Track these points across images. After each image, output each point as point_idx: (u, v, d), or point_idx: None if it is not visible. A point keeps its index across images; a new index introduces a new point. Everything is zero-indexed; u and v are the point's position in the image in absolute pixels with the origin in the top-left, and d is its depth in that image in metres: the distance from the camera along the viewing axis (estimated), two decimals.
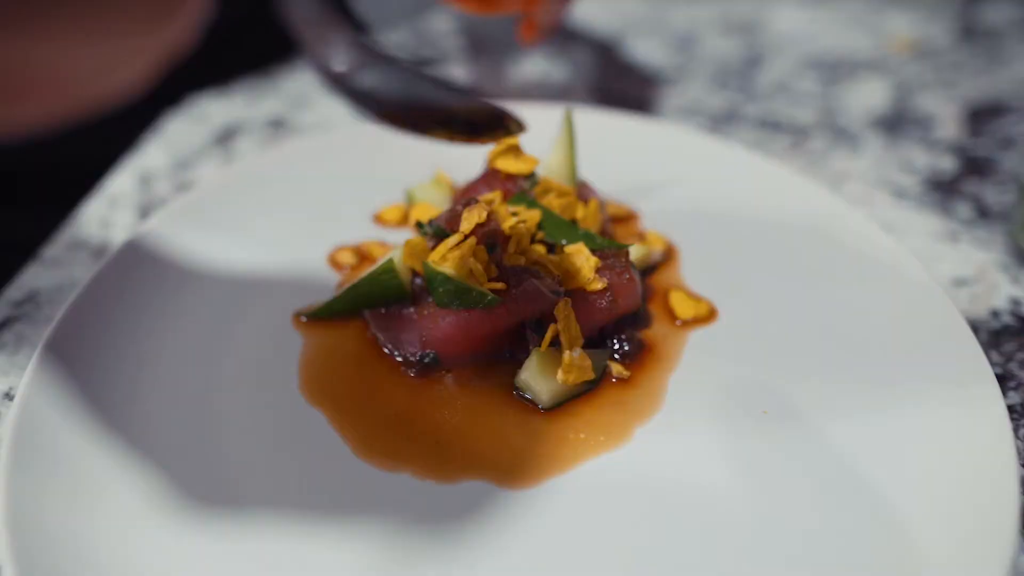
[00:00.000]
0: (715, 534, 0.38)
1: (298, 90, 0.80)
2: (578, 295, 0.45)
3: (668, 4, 0.98)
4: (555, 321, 0.44)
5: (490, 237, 0.45)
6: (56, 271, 0.57)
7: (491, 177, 0.52)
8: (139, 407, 0.44)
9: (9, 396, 0.47)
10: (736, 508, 0.39)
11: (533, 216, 0.48)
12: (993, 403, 0.40)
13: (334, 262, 0.55)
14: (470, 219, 0.46)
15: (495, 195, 0.49)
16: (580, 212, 0.50)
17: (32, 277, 0.56)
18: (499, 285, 0.44)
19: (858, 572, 0.36)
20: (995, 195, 0.64)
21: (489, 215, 0.46)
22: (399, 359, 0.47)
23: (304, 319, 0.50)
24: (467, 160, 0.58)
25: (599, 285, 0.45)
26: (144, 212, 0.63)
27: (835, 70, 0.84)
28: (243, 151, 0.70)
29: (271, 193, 0.59)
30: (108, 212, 0.63)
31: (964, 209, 0.63)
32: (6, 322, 0.52)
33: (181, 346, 0.47)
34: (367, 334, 0.49)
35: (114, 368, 0.45)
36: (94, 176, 0.67)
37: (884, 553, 0.36)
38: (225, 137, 0.72)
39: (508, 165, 0.51)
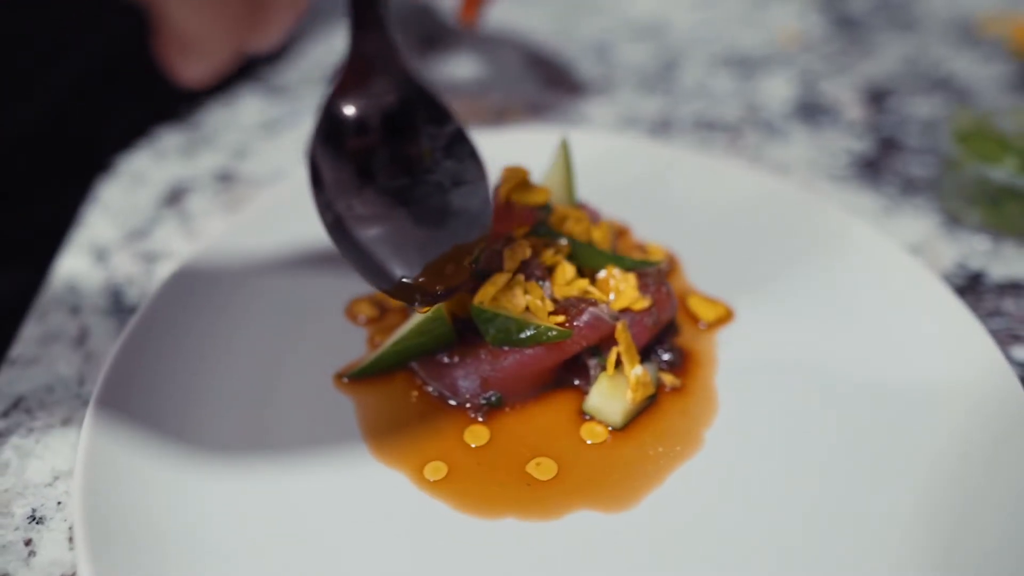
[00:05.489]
0: (806, 515, 0.41)
1: (235, 141, 0.76)
2: (626, 315, 0.47)
3: (570, 14, 1.02)
4: (614, 344, 0.46)
5: (538, 271, 0.46)
6: (36, 370, 0.51)
7: (505, 212, 0.52)
8: (208, 506, 0.41)
9: (35, 519, 0.43)
10: (813, 488, 0.42)
11: (564, 247, 0.49)
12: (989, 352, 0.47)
13: (351, 315, 0.53)
14: (514, 257, 0.47)
15: (523, 229, 0.50)
16: (596, 234, 0.52)
17: (9, 382, 0.50)
18: (560, 318, 0.45)
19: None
20: (914, 168, 0.72)
21: (531, 250, 0.47)
22: (454, 404, 0.47)
23: (347, 380, 0.48)
24: None
25: (645, 303, 0.47)
26: (111, 291, 0.58)
27: (743, 67, 0.91)
28: (198, 211, 0.66)
29: (264, 255, 0.56)
30: (72, 297, 0.57)
31: (892, 185, 0.70)
32: None
33: (229, 431, 0.45)
34: (416, 383, 0.48)
35: (165, 467, 0.42)
36: (37, 255, 0.61)
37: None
38: (173, 198, 0.68)
39: (523, 197, 0.52)
